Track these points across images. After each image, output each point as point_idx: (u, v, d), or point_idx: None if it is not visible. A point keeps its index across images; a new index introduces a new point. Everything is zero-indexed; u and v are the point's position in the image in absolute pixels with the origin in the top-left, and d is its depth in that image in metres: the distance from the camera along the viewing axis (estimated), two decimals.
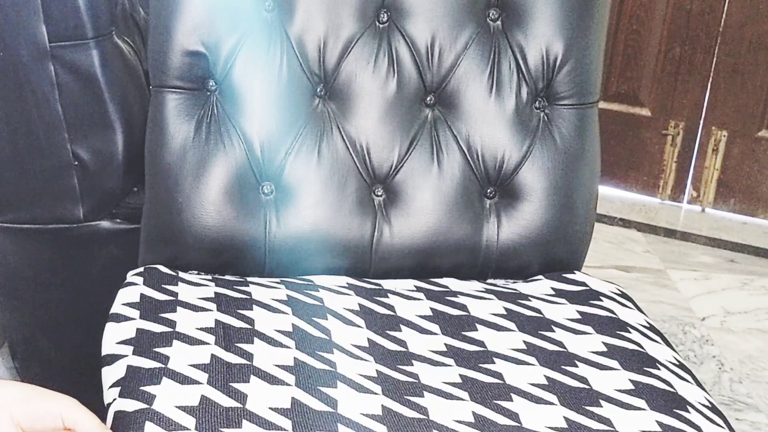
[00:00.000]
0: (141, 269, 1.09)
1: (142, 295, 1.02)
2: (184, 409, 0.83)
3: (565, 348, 1.00)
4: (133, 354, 0.92)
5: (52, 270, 1.35)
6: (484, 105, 1.16)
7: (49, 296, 1.36)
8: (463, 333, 1.02)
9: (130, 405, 0.84)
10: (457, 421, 0.86)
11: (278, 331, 0.97)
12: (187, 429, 0.81)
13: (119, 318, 0.99)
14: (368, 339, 0.99)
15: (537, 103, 1.17)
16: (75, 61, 1.20)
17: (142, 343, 0.93)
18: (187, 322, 0.97)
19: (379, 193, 1.16)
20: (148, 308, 1.00)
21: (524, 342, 1.01)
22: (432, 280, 1.15)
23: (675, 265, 2.36)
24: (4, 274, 1.34)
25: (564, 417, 0.88)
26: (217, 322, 0.97)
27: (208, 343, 0.93)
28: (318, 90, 1.15)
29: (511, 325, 1.04)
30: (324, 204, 1.13)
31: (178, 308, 0.99)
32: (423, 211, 1.15)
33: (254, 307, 1.02)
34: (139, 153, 1.15)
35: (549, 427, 0.87)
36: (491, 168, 1.16)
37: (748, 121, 2.52)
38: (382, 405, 0.87)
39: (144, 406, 0.83)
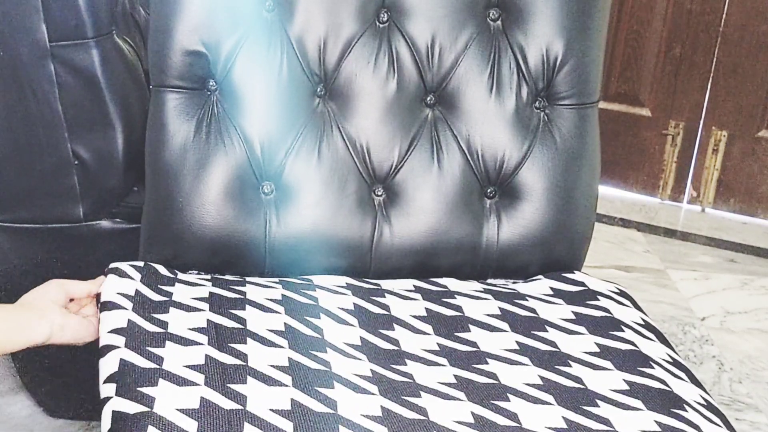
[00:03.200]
0: (141, 264, 1.09)
1: (137, 291, 1.02)
2: (185, 412, 0.82)
3: (557, 348, 1.00)
4: (125, 347, 0.91)
5: (52, 269, 1.35)
6: (484, 105, 1.16)
7: None
8: (456, 333, 1.02)
9: (130, 407, 0.84)
10: (457, 422, 0.86)
11: (270, 330, 0.97)
12: None
13: (111, 306, 0.98)
14: (361, 338, 0.99)
15: (537, 103, 1.17)
16: (75, 60, 1.20)
17: (134, 338, 0.93)
18: (180, 323, 0.97)
19: (379, 193, 1.16)
20: (140, 303, 0.99)
21: (516, 342, 1.01)
22: (431, 280, 1.15)
23: (675, 265, 2.36)
24: (4, 273, 1.34)
25: (563, 417, 0.88)
26: (209, 322, 0.97)
27: (201, 344, 0.93)
28: (318, 90, 1.15)
29: (504, 325, 1.04)
30: (324, 204, 1.13)
31: (171, 309, 0.99)
32: (423, 210, 1.15)
33: (247, 306, 1.02)
34: (139, 152, 1.15)
35: (549, 428, 0.87)
36: (491, 168, 1.16)
37: (748, 121, 2.52)
38: (381, 406, 0.87)
39: (145, 409, 0.83)
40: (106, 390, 0.88)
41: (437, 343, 1.00)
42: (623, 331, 1.04)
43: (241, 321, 0.98)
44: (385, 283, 1.13)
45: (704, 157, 2.59)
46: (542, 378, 0.94)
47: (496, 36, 1.16)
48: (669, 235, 2.53)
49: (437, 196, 1.15)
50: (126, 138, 1.26)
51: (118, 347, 0.92)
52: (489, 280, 1.19)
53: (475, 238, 1.16)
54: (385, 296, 1.09)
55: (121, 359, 0.90)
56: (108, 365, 0.90)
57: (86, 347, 1.04)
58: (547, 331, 1.03)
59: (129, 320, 0.96)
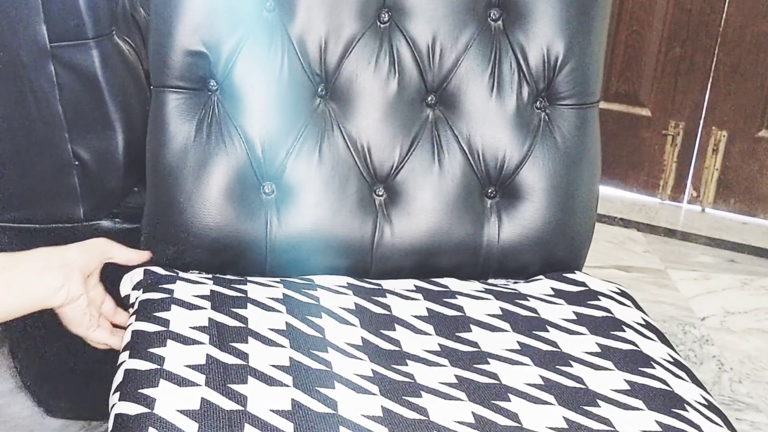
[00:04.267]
0: (140, 276, 1.09)
1: (140, 302, 1.02)
2: (185, 413, 0.82)
3: (558, 348, 1.00)
4: (129, 357, 0.92)
5: None
6: (485, 105, 1.16)
7: None
8: (457, 334, 1.02)
9: (131, 408, 0.84)
10: (457, 422, 0.86)
11: (272, 329, 0.97)
12: None
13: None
14: (362, 338, 0.99)
15: (538, 103, 1.17)
16: (75, 60, 1.20)
17: (137, 344, 0.93)
18: (181, 321, 0.96)
19: (380, 193, 1.16)
20: (143, 310, 1.00)
21: (518, 342, 1.01)
22: (432, 280, 1.15)
23: (675, 265, 2.36)
24: None
25: (563, 417, 0.88)
26: (210, 320, 0.97)
27: (203, 343, 0.93)
28: (319, 90, 1.15)
29: (505, 325, 1.04)
30: (325, 204, 1.13)
31: (173, 306, 0.99)
32: (424, 210, 1.15)
33: (248, 305, 1.01)
34: (139, 153, 1.15)
35: (549, 428, 0.87)
36: (492, 168, 1.16)
37: (748, 121, 2.52)
38: (382, 406, 0.87)
39: (145, 410, 0.83)
40: (113, 399, 0.88)
41: (438, 344, 1.00)
42: (624, 331, 1.04)
43: (243, 319, 0.98)
44: (386, 283, 1.13)
45: (704, 157, 2.59)
46: (543, 378, 0.94)
47: (496, 36, 1.16)
48: (669, 235, 2.53)
49: (438, 196, 1.15)
50: (126, 138, 1.26)
51: (123, 362, 0.92)
52: (490, 280, 1.19)
53: (475, 238, 1.16)
54: (386, 296, 1.09)
55: (125, 370, 0.90)
56: (117, 377, 0.91)
57: (87, 348, 1.04)
58: (548, 331, 1.03)
59: (133, 331, 0.96)
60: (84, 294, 0.97)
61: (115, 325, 1.06)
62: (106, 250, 1.02)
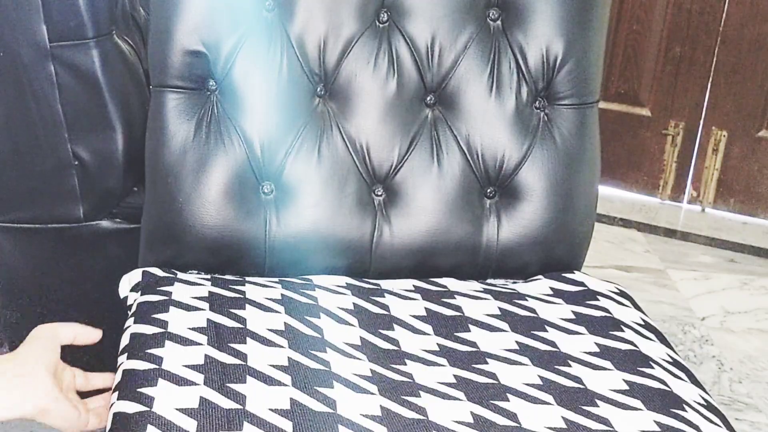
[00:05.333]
0: (138, 277, 1.09)
1: (138, 304, 1.02)
2: (184, 411, 0.83)
3: (557, 348, 1.00)
4: (127, 359, 0.92)
5: (52, 270, 1.35)
6: (484, 105, 1.16)
7: (50, 296, 1.37)
8: (456, 333, 1.02)
9: (130, 407, 0.84)
10: (456, 422, 0.86)
11: (270, 330, 0.97)
12: None
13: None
14: (360, 338, 0.99)
15: (537, 102, 1.17)
16: (75, 60, 1.20)
17: (135, 346, 0.93)
18: (179, 322, 0.97)
19: (379, 193, 1.16)
20: (141, 313, 1.00)
21: (516, 342, 1.01)
22: (431, 279, 1.15)
23: (675, 265, 2.36)
24: (5, 273, 1.34)
25: (562, 417, 0.88)
26: (209, 321, 0.97)
27: (201, 344, 0.93)
28: (318, 90, 1.15)
29: (504, 325, 1.04)
30: (324, 204, 1.13)
31: (171, 308, 0.99)
32: (423, 210, 1.15)
33: (247, 306, 1.02)
34: (139, 153, 1.15)
35: (548, 428, 0.87)
36: (491, 168, 1.16)
37: (748, 121, 2.52)
38: (381, 405, 0.87)
39: (144, 408, 0.83)
40: (112, 398, 0.89)
41: (437, 343, 1.00)
42: (623, 331, 1.04)
43: (241, 320, 0.98)
44: (385, 283, 1.13)
45: (704, 157, 2.59)
46: (542, 378, 0.94)
47: (496, 36, 1.16)
48: (669, 235, 2.53)
49: (437, 196, 1.15)
50: (126, 138, 1.26)
51: (120, 364, 0.92)
52: (489, 280, 1.19)
53: (475, 238, 1.16)
54: (384, 296, 1.09)
55: (123, 370, 0.90)
56: (115, 378, 0.91)
57: (88, 350, 1.04)
58: (546, 331, 1.03)
59: (131, 334, 0.96)
60: (62, 398, 0.86)
61: (91, 393, 0.96)
62: (55, 335, 0.90)
